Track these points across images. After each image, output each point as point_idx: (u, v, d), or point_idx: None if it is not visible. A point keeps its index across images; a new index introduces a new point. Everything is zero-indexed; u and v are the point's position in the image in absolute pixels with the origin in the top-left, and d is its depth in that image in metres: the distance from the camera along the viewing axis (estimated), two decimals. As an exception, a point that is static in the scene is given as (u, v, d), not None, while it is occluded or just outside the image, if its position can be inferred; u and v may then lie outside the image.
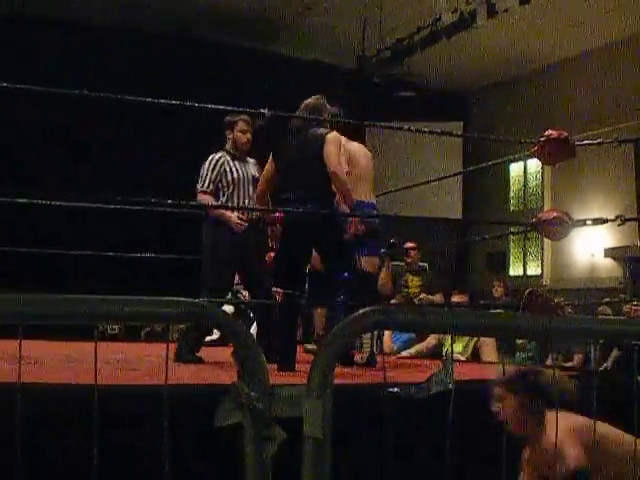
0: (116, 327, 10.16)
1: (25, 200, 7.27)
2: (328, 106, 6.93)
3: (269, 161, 6.42)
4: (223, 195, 6.57)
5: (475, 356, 8.45)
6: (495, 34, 13.34)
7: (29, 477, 2.21)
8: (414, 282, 10.52)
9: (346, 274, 6.04)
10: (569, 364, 8.62)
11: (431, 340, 8.72)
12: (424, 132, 7.45)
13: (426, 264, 11.61)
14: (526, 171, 16.53)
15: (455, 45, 13.04)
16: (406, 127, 8.21)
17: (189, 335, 6.27)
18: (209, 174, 6.58)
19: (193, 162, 6.85)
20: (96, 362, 1.91)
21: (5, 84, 4.90)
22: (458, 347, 8.29)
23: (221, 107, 5.79)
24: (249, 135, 6.77)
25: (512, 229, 13.13)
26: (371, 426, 2.56)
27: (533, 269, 16.26)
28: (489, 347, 8.26)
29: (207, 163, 6.64)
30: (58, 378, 4.18)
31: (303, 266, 6.32)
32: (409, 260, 10.86)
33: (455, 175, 13.63)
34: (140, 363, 5.82)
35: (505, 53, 14.78)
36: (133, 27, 13.54)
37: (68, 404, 2.98)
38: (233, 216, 6.47)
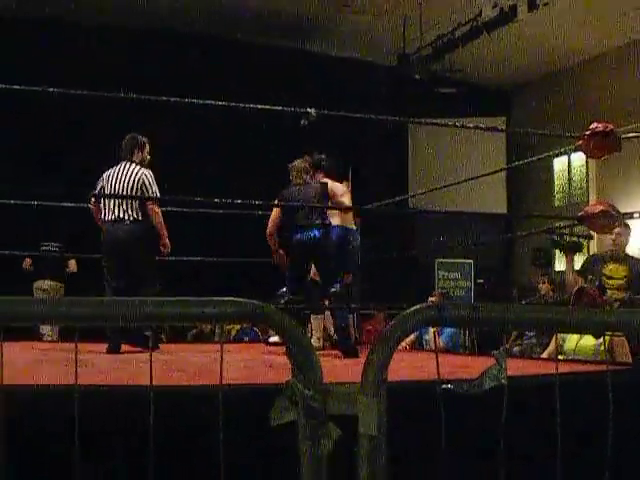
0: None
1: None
2: (313, 157, 8.03)
3: (275, 210, 7.64)
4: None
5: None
6: (536, 28, 13.25)
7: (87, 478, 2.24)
8: (619, 271, 8.73)
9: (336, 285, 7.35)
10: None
11: (552, 344, 8.10)
12: (469, 128, 7.43)
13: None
14: (570, 165, 16.39)
15: (496, 40, 12.98)
16: (450, 123, 8.19)
17: None
18: (155, 187, 7.18)
19: (241, 163, 7.00)
20: (151, 364, 1.93)
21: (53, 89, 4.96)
22: (588, 342, 7.59)
23: (265, 107, 5.80)
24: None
25: (558, 223, 13.03)
26: (425, 423, 2.56)
27: (578, 264, 16.10)
28: (620, 345, 7.50)
29: (150, 177, 7.18)
30: (110, 380, 4.22)
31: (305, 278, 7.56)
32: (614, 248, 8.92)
33: (500, 171, 13.57)
34: (189, 364, 5.86)
35: (547, 46, 14.67)
36: (170, 29, 13.62)
37: (123, 406, 3.01)
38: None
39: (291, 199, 7.43)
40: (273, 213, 7.70)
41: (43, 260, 10.72)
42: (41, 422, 2.89)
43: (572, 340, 7.71)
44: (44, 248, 10.68)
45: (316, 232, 7.32)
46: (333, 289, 7.28)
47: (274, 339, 7.55)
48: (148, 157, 7.43)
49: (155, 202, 7.15)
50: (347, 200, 8.05)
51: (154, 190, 7.14)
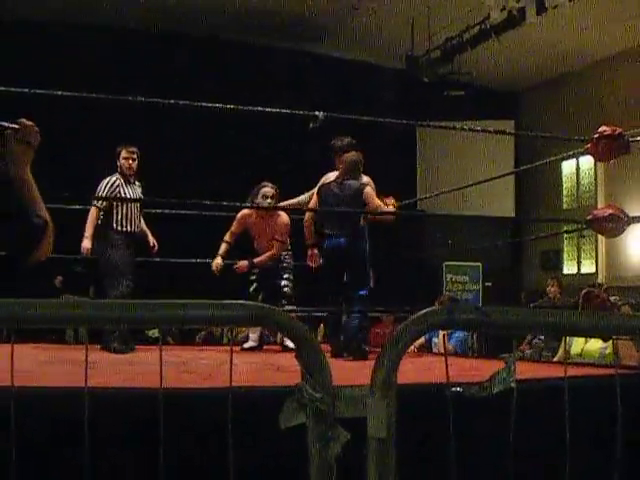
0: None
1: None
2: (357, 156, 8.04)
3: (314, 200, 7.69)
4: (117, 213, 7.67)
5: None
6: (545, 31, 13.24)
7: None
8: None
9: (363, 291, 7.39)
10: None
11: (561, 350, 7.93)
12: (477, 131, 7.42)
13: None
14: (579, 168, 16.38)
15: (505, 43, 12.97)
16: (458, 126, 8.19)
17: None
18: (104, 194, 7.68)
19: (249, 167, 7.06)
20: (161, 366, 1.94)
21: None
22: (594, 346, 7.51)
23: (273, 110, 5.81)
24: (130, 161, 7.84)
25: (566, 227, 13.02)
26: (434, 425, 2.56)
27: (587, 267, 16.11)
28: (626, 348, 7.42)
29: (104, 184, 7.72)
30: (118, 381, 4.23)
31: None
32: None
33: (508, 174, 13.56)
34: (198, 366, 5.87)
35: (555, 50, 14.66)
36: (174, 30, 13.66)
37: (132, 408, 3.02)
38: None
39: (328, 197, 7.46)
40: (311, 203, 7.73)
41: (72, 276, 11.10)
42: (50, 424, 2.90)
43: (578, 344, 7.66)
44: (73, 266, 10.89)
45: (342, 240, 7.32)
46: (362, 293, 7.34)
47: (290, 344, 7.52)
48: (125, 163, 7.82)
49: (95, 204, 7.66)
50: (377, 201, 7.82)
51: (98, 191, 7.69)
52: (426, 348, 9.95)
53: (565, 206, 16.60)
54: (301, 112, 6.10)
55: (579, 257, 16.31)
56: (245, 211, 7.99)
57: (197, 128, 12.18)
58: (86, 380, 1.92)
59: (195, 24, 13.45)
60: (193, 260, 8.87)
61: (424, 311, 1.77)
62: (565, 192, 16.71)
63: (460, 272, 15.42)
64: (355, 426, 1.77)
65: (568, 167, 16.54)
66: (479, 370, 5.57)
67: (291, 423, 1.78)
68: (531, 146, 15.11)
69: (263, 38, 14.09)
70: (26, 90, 5.36)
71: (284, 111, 5.97)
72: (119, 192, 7.73)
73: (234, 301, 1.75)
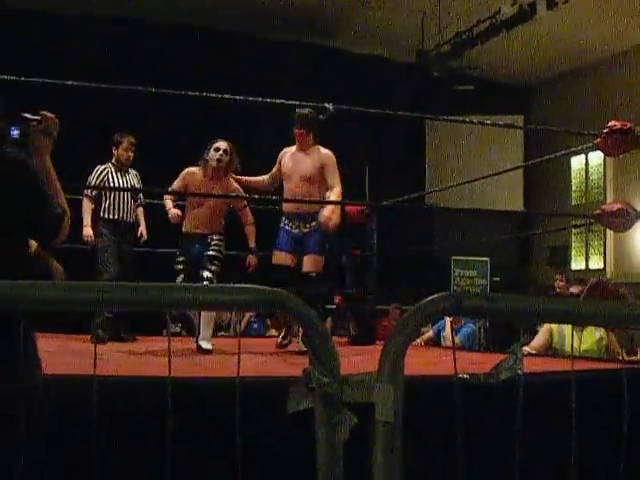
0: (179, 326, 10.34)
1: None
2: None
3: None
4: (105, 200, 7.72)
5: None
6: (555, 25, 13.23)
7: (109, 470, 2.27)
8: None
9: None
10: (632, 357, 8.46)
11: (540, 338, 7.32)
12: (486, 125, 7.44)
13: None
14: (588, 164, 16.37)
15: (515, 37, 12.97)
16: (468, 120, 8.19)
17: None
18: (93, 182, 7.75)
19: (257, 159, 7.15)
20: (170, 356, 1.95)
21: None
22: (588, 340, 7.00)
23: (283, 102, 5.83)
24: (130, 153, 7.89)
25: (575, 222, 13.01)
26: (440, 414, 2.58)
27: (595, 262, 16.10)
28: (613, 340, 7.05)
29: (94, 172, 7.79)
30: (128, 371, 4.25)
31: None
32: None
33: (516, 168, 13.55)
34: (204, 356, 5.90)
35: (565, 44, 14.65)
36: (190, 24, 13.68)
37: (142, 397, 3.04)
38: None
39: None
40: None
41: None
42: (61, 412, 2.92)
43: (568, 337, 7.34)
44: None
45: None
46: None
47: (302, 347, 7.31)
48: (124, 154, 7.87)
49: (86, 193, 7.71)
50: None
51: (89, 180, 7.76)
52: (434, 342, 9.95)
53: (574, 202, 16.58)
54: (311, 104, 6.11)
55: (587, 252, 16.30)
56: (190, 168, 6.99)
57: (206, 120, 12.16)
58: (95, 368, 1.94)
59: (207, 17, 13.47)
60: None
61: (430, 297, 1.78)
62: (574, 188, 16.69)
63: (468, 267, 15.38)
64: (363, 411, 1.79)
65: (577, 163, 16.52)
66: (487, 364, 5.59)
67: (299, 408, 1.79)
68: (540, 141, 15.09)
69: (274, 32, 14.10)
70: (43, 80, 5.41)
71: (294, 103, 5.97)
72: (107, 180, 7.78)
73: (247, 285, 1.77)
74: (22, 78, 5.40)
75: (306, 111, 6.67)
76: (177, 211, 6.87)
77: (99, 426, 2.04)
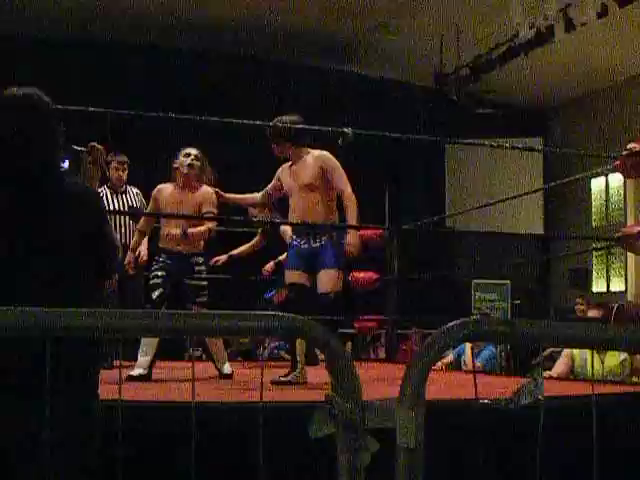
0: (200, 349, 10.35)
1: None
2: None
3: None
4: None
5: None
6: (573, 48, 13.23)
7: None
8: None
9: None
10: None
11: (561, 363, 7.37)
12: (506, 148, 7.43)
13: None
14: (608, 186, 16.31)
15: (533, 60, 12.97)
16: (487, 143, 8.21)
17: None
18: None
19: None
20: (194, 380, 1.97)
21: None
22: (611, 361, 6.98)
23: (304, 127, 5.84)
24: (120, 172, 7.84)
25: (595, 244, 12.97)
26: (461, 439, 2.58)
27: (617, 285, 16.02)
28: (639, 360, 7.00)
29: None
30: (150, 395, 4.26)
31: None
32: None
33: (537, 191, 13.54)
34: (227, 381, 5.91)
35: (584, 67, 14.65)
36: (210, 49, 13.76)
37: (164, 422, 3.05)
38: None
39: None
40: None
41: None
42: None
43: (590, 360, 7.31)
44: None
45: None
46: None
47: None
48: (115, 174, 7.83)
49: None
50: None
51: None
52: (454, 366, 9.93)
53: (594, 224, 16.52)
54: (330, 129, 6.12)
55: (608, 275, 16.22)
56: (160, 185, 6.59)
57: (224, 143, 12.24)
58: (120, 393, 1.96)
59: (228, 41, 13.55)
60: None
61: (452, 323, 1.79)
62: (594, 210, 16.63)
63: (488, 290, 15.35)
64: (385, 436, 1.79)
65: (597, 185, 16.47)
66: (508, 388, 5.57)
67: (321, 433, 1.80)
68: (560, 164, 15.08)
69: (294, 56, 14.17)
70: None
71: (313, 128, 5.98)
72: None
73: (267, 312, 1.79)
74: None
75: (271, 125, 6.32)
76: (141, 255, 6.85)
77: (125, 449, 2.05)
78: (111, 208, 7.63)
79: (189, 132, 11.29)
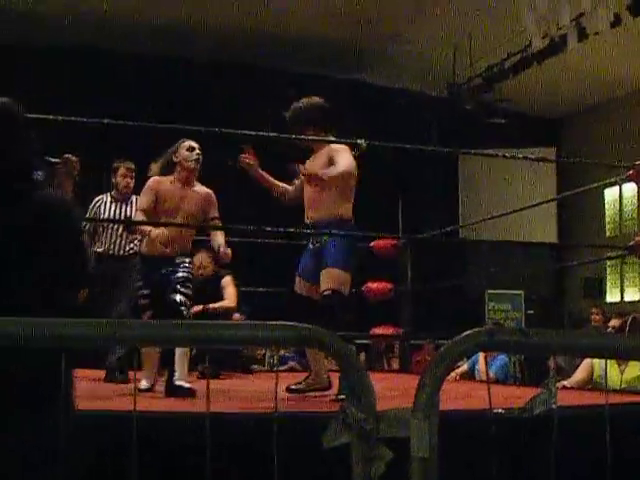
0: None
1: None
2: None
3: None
4: (96, 233, 7.27)
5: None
6: (587, 57, 13.22)
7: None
8: None
9: None
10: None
11: (580, 372, 7.19)
12: (519, 158, 7.42)
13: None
14: (621, 195, 16.26)
15: (546, 70, 12.96)
16: (500, 154, 8.20)
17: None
18: (88, 214, 7.30)
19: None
20: (208, 393, 1.98)
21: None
22: (632, 372, 6.74)
23: (316, 138, 5.84)
24: (128, 180, 7.43)
25: (609, 254, 12.94)
26: (476, 449, 2.58)
27: (631, 295, 15.95)
28: None
29: (90, 205, 7.42)
30: (163, 406, 4.27)
31: None
32: None
33: (550, 201, 13.52)
34: (239, 392, 5.91)
35: (597, 76, 14.63)
36: (221, 60, 13.81)
37: (179, 432, 3.06)
38: None
39: None
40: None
41: None
42: (101, 447, 2.95)
43: (611, 372, 7.29)
44: None
45: None
46: None
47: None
48: (122, 181, 7.45)
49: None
50: None
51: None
52: (469, 376, 9.90)
53: (608, 233, 16.48)
54: (343, 140, 6.11)
55: (622, 284, 16.15)
56: (157, 177, 5.95)
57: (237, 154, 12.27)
58: (135, 403, 1.97)
59: (238, 52, 13.59)
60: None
61: (465, 333, 1.80)
62: (608, 219, 16.59)
63: (502, 300, 15.35)
64: (399, 446, 1.80)
65: (610, 194, 16.42)
66: (522, 398, 5.56)
67: (335, 443, 1.81)
68: (573, 173, 15.05)
69: (305, 66, 14.18)
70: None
71: (325, 139, 5.94)
72: (98, 212, 7.33)
73: (280, 322, 1.79)
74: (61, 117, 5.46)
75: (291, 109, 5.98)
76: (160, 230, 5.72)
77: (139, 464, 2.06)
78: (107, 215, 7.32)
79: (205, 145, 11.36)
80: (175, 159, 5.92)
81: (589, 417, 3.66)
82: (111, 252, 7.23)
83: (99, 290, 6.68)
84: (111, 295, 6.99)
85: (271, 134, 6.48)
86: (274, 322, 1.80)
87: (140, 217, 5.78)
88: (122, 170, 7.44)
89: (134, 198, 7.24)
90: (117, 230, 7.25)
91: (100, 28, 12.42)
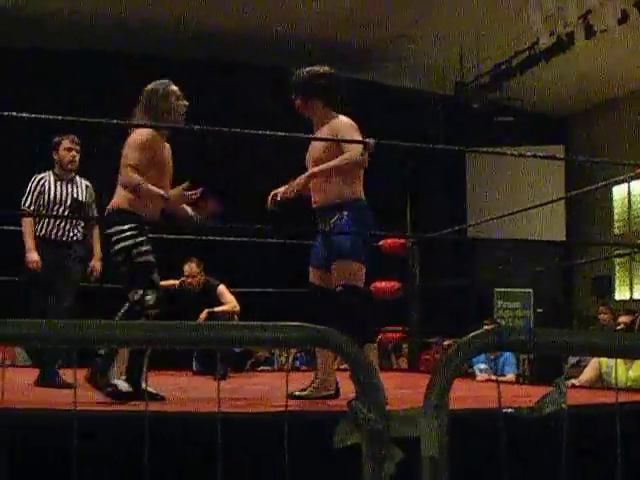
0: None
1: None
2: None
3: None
4: (40, 216, 6.42)
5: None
6: (594, 55, 13.19)
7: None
8: None
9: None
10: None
11: (588, 371, 7.26)
12: (527, 156, 7.41)
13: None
14: (630, 193, 16.22)
15: (554, 68, 12.95)
16: (509, 152, 8.20)
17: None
18: (30, 194, 6.45)
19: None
20: (219, 393, 1.98)
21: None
22: (637, 370, 6.85)
23: (323, 138, 5.84)
24: (74, 153, 6.52)
25: (618, 251, 12.90)
26: (485, 448, 2.58)
27: (640, 292, 15.91)
28: None
29: (30, 182, 6.50)
30: (175, 406, 4.28)
31: None
32: None
33: (559, 200, 13.50)
34: (248, 392, 5.91)
35: (605, 74, 14.59)
36: (226, 60, 13.82)
37: (190, 432, 3.07)
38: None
39: None
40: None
41: None
42: (110, 447, 2.95)
43: (618, 370, 7.27)
44: None
45: None
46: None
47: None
48: (67, 155, 6.53)
49: (24, 210, 6.49)
50: None
51: (25, 195, 6.49)
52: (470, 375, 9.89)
53: (617, 231, 16.44)
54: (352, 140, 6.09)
55: (631, 282, 16.11)
56: (153, 132, 5.09)
57: (249, 155, 12.29)
58: (146, 404, 1.97)
59: (245, 53, 13.60)
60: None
61: (474, 333, 1.80)
62: (616, 217, 16.55)
63: (511, 298, 15.33)
64: (409, 445, 1.80)
65: (619, 192, 16.38)
66: (531, 397, 5.56)
67: (345, 443, 1.81)
68: (582, 171, 15.03)
69: (312, 66, 14.16)
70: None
71: (332, 139, 5.92)
72: (43, 190, 6.46)
73: (290, 323, 1.79)
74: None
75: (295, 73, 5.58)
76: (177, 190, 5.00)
77: (149, 460, 2.06)
78: (53, 197, 6.47)
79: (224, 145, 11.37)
80: (165, 107, 5.21)
81: (599, 416, 3.66)
82: (53, 237, 6.43)
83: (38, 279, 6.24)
84: (52, 286, 6.28)
85: (279, 133, 6.42)
86: (284, 323, 1.80)
87: (134, 175, 4.82)
88: (67, 143, 6.51)
89: (78, 179, 6.66)
90: (63, 213, 6.47)
91: (92, 28, 12.43)
